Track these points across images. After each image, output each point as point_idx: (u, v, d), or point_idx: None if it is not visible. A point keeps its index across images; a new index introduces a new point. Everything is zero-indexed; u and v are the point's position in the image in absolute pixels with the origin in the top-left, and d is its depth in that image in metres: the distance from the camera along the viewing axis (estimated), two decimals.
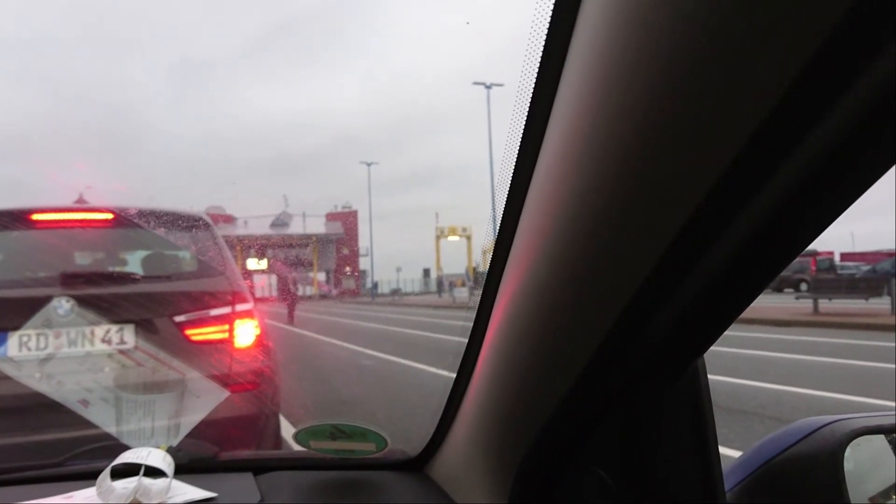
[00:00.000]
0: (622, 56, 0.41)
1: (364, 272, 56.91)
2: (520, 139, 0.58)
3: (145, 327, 2.85)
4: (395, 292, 47.86)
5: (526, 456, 0.67)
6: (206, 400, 1.12)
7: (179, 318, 2.86)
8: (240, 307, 3.01)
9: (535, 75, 0.54)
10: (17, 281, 2.94)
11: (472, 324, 0.78)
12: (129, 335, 2.83)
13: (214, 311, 2.93)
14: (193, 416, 1.03)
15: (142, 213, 3.27)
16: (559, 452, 0.65)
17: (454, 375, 0.95)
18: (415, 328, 17.29)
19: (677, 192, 0.41)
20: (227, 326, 2.94)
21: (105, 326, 2.81)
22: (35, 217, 3.16)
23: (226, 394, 1.14)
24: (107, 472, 0.91)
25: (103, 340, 2.81)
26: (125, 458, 0.92)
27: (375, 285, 48.71)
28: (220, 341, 2.92)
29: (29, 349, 2.73)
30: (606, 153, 0.44)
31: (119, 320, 2.82)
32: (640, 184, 0.43)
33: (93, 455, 1.14)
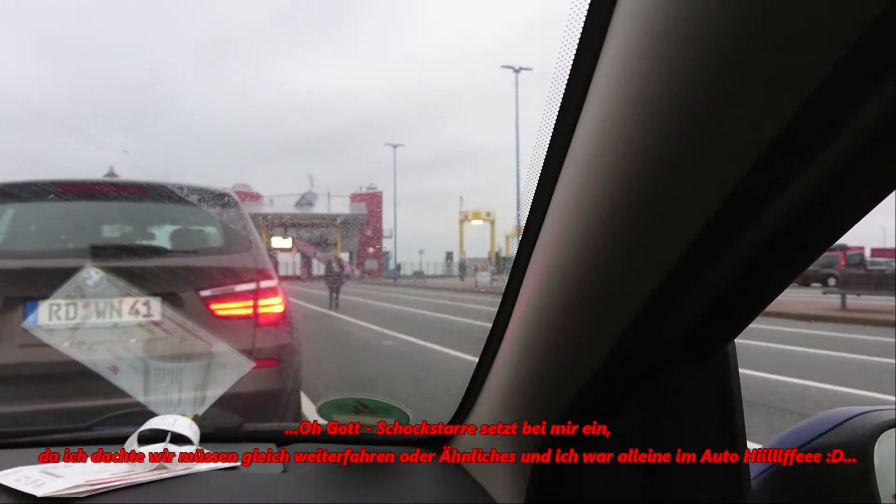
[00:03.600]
0: (659, 46, 0.41)
1: (387, 254, 57.14)
2: (553, 124, 0.58)
3: (171, 300, 2.89)
4: (418, 275, 48.00)
5: (546, 438, 0.67)
6: (231, 371, 1.14)
7: (205, 293, 2.90)
8: (264, 284, 3.04)
9: (571, 62, 0.54)
10: (49, 251, 3.00)
11: (497, 305, 0.78)
12: (155, 307, 2.88)
13: (239, 287, 2.97)
14: (219, 387, 1.05)
15: (171, 188, 3.31)
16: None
17: (475, 358, 0.95)
18: (436, 311, 17.34)
19: (712, 179, 0.41)
20: (251, 302, 2.98)
21: (132, 298, 2.86)
22: (67, 189, 3.22)
23: (251, 364, 1.16)
24: (134, 437, 0.94)
25: (130, 312, 2.86)
26: (152, 424, 0.95)
27: (398, 267, 48.88)
28: (244, 317, 2.96)
29: (58, 318, 2.79)
30: (644, 138, 0.44)
31: (146, 293, 2.87)
32: (676, 169, 0.43)
33: (120, 421, 1.17)
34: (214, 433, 0.99)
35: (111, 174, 3.95)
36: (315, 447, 1.04)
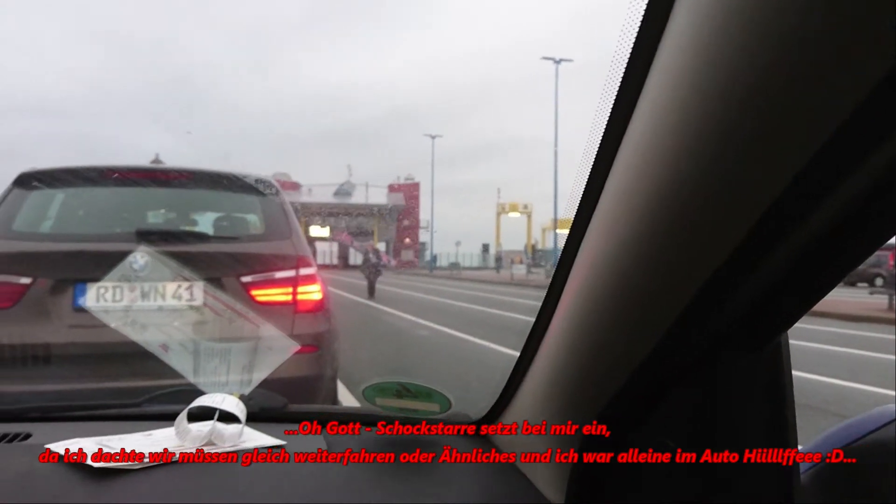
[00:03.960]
0: (719, 41, 0.41)
1: (423, 245, 57.35)
2: (606, 118, 0.58)
3: (213, 285, 2.95)
4: (454, 266, 48.05)
5: (596, 419, 0.67)
6: (276, 354, 1.17)
7: (246, 279, 2.95)
8: (304, 271, 3.08)
9: (628, 56, 0.54)
10: (97, 235, 3.09)
11: (541, 299, 0.78)
12: (197, 292, 2.94)
13: (279, 274, 3.02)
14: (265, 369, 1.08)
15: (214, 175, 3.37)
16: (628, 421, 0.66)
17: (509, 350, 0.97)
18: (471, 302, 17.36)
19: (771, 172, 0.41)
20: (290, 289, 3.02)
21: (176, 283, 2.93)
22: (114, 174, 3.30)
23: (296, 346, 1.19)
24: (184, 413, 0.97)
25: (174, 296, 2.93)
26: (201, 401, 0.98)
27: (434, 258, 49.02)
28: (284, 303, 3.00)
29: (106, 300, 2.87)
30: (701, 132, 0.44)
31: (189, 278, 2.93)
32: (735, 163, 0.43)
33: (168, 399, 1.22)
34: (260, 413, 1.01)
35: (157, 161, 4.04)
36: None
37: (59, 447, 0.90)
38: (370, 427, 1.07)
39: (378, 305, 14.91)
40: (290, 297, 3.01)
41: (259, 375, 1.09)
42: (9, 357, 2.73)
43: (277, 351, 1.15)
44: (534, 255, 44.79)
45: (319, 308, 3.11)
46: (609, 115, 0.57)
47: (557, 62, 33.76)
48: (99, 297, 2.86)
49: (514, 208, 58.33)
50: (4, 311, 2.77)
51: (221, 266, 2.88)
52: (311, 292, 3.09)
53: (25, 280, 2.79)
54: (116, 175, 3.30)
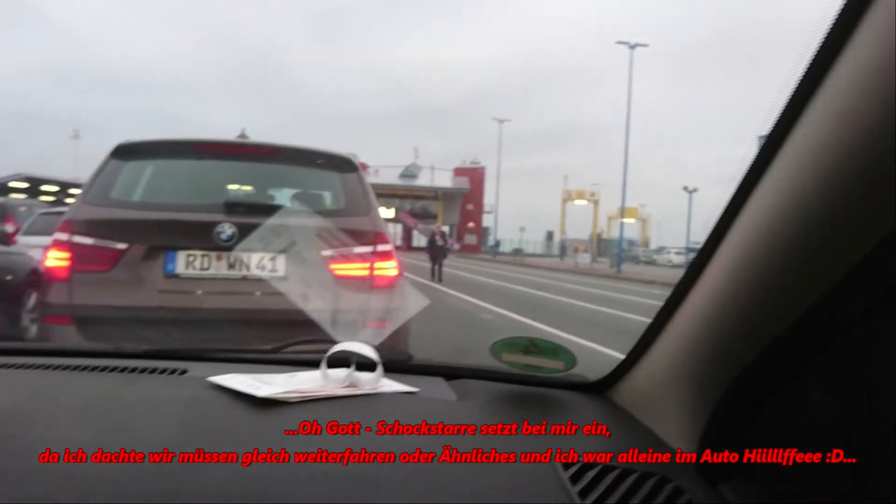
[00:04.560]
0: None
1: (486, 229, 57.25)
2: (778, 115, 0.59)
3: (295, 258, 3.05)
4: (517, 252, 47.87)
5: (736, 379, 0.69)
6: (409, 306, 1.25)
7: (326, 253, 3.03)
8: (381, 247, 3.15)
9: (811, 57, 0.55)
10: (186, 205, 3.23)
11: (693, 257, 0.80)
12: (280, 264, 3.05)
13: (358, 249, 3.09)
14: (395, 321, 1.14)
15: (298, 151, 3.46)
16: (774, 377, 0.67)
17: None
18: (534, 288, 17.30)
19: None
20: (368, 264, 3.09)
21: (260, 254, 3.04)
22: (204, 148, 3.44)
23: (426, 301, 1.26)
24: (325, 358, 1.04)
25: (257, 266, 3.04)
26: (343, 346, 1.05)
27: (497, 243, 48.89)
28: (361, 278, 3.07)
29: (194, 268, 3.01)
30: (884, 141, 0.45)
31: (272, 249, 3.04)
32: None
33: (303, 347, 1.31)
34: (387, 364, 1.07)
35: (243, 136, 4.17)
36: (481, 383, 1.11)
37: (220, 379, 0.98)
38: (493, 380, 1.12)
39: (441, 288, 15.02)
40: (367, 272, 3.08)
41: (387, 330, 1.16)
42: (104, 317, 2.89)
43: (412, 304, 1.23)
44: (599, 244, 44.16)
45: (394, 284, 3.17)
46: (780, 113, 0.59)
47: (632, 47, 32.93)
48: (188, 265, 3.00)
49: (580, 196, 57.56)
50: (102, 273, 2.94)
51: (304, 239, 2.96)
52: (388, 268, 3.15)
53: (122, 245, 2.94)
54: (205, 148, 3.44)
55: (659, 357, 0.90)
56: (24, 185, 37.00)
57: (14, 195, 26.24)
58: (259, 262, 3.04)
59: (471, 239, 54.67)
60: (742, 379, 0.69)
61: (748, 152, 0.66)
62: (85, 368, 1.10)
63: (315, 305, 2.92)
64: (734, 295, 0.69)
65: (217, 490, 0.66)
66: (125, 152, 3.31)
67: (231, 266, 3.02)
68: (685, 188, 33.78)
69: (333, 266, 3.05)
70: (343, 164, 3.46)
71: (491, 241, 50.85)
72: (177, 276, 2.99)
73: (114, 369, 1.10)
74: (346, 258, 3.08)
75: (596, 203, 58.39)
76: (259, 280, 3.04)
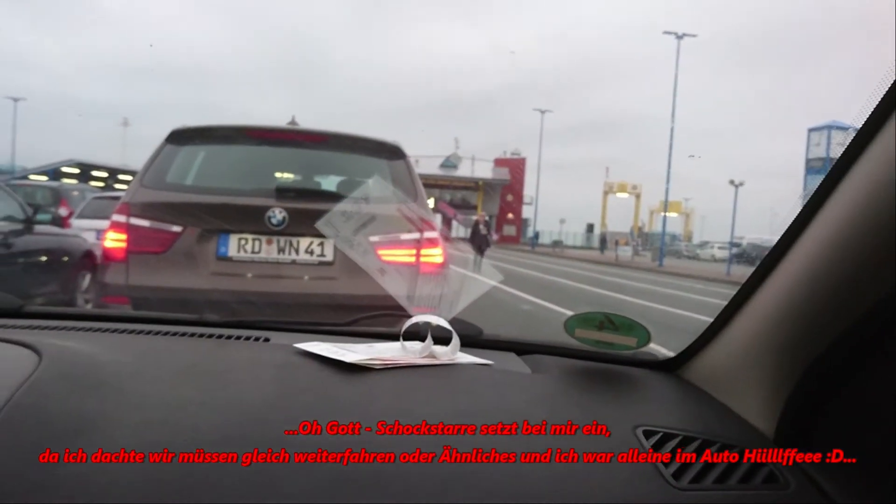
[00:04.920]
0: None
1: (526, 221, 56.99)
2: (868, 115, 0.60)
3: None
4: (556, 244, 47.56)
5: (819, 357, 0.70)
6: (476, 287, 1.27)
7: (374, 238, 3.07)
8: (427, 234, 3.17)
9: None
10: (238, 189, 3.30)
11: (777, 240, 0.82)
12: (328, 249, 3.10)
13: (405, 236, 3.12)
14: (466, 298, 1.16)
15: (347, 138, 3.51)
16: (857, 357, 0.68)
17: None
18: (573, 280, 17.18)
19: None
20: (414, 251, 3.12)
21: (309, 238, 3.09)
22: (255, 134, 3.50)
23: (492, 283, 1.28)
24: (402, 330, 1.07)
25: (306, 251, 3.10)
26: (421, 318, 1.08)
27: (536, 235, 48.67)
28: (408, 264, 3.10)
29: (245, 251, 3.07)
30: None
31: (321, 234, 3.09)
32: None
33: (371, 322, 1.36)
34: (460, 338, 1.09)
35: (293, 123, 4.23)
36: (553, 359, 1.12)
37: (305, 346, 1.03)
38: (565, 356, 1.14)
39: (481, 278, 15.01)
40: (413, 259, 3.11)
41: (459, 306, 1.19)
42: (159, 298, 2.98)
43: (479, 285, 1.26)
44: (640, 237, 43.62)
45: (441, 270, 3.19)
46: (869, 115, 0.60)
47: (680, 37, 32.26)
48: (240, 248, 3.06)
49: (622, 188, 56.84)
50: (157, 255, 3.02)
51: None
52: (434, 255, 3.17)
53: (177, 228, 3.02)
54: (257, 134, 3.50)
55: (738, 335, 0.91)
56: (76, 170, 38.11)
57: (66, 180, 27.08)
58: (308, 246, 3.10)
59: (510, 230, 54.49)
60: (825, 357, 0.69)
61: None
62: (175, 334, 1.16)
63: (361, 291, 2.97)
64: (821, 276, 0.69)
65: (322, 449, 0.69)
66: (180, 137, 3.39)
67: (281, 250, 3.08)
68: (731, 182, 33.08)
69: (381, 252, 3.08)
70: (391, 152, 3.49)
71: (530, 233, 50.65)
72: (229, 259, 3.06)
73: (201, 335, 1.16)
74: (394, 244, 3.10)
75: (638, 196, 57.61)
76: (308, 264, 3.10)
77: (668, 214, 36.77)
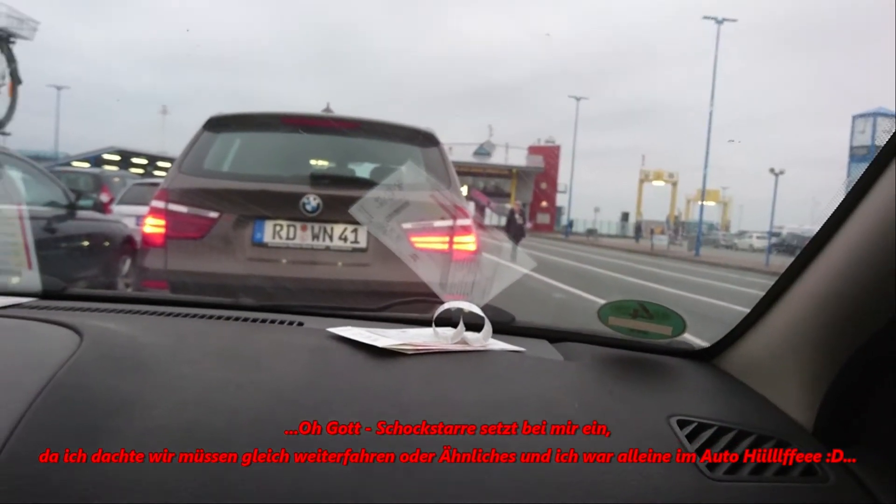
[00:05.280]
0: None
1: (560, 209, 56.56)
2: None
3: None
4: (591, 232, 47.11)
5: (861, 348, 0.68)
6: (508, 275, 1.27)
7: (407, 225, 3.07)
8: (460, 222, 3.17)
9: None
10: (274, 176, 3.33)
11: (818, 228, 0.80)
12: (362, 236, 3.12)
13: (438, 223, 3.12)
14: (497, 286, 1.16)
15: (381, 125, 3.51)
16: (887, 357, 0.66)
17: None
18: (607, 269, 17.03)
19: None
20: (447, 238, 3.12)
21: (343, 225, 3.11)
22: (290, 121, 3.53)
23: (523, 271, 1.28)
24: (434, 316, 1.07)
25: (340, 237, 3.12)
26: (453, 304, 1.09)
27: (570, 223, 48.28)
28: (440, 251, 3.11)
29: (280, 237, 3.11)
30: None
31: (355, 221, 3.10)
32: None
33: (409, 306, 1.40)
34: (492, 325, 1.09)
35: (328, 110, 4.25)
36: (586, 347, 1.12)
37: (338, 330, 1.05)
38: (597, 344, 1.13)
39: (517, 267, 14.96)
40: (446, 246, 3.11)
41: (492, 293, 1.19)
42: (196, 283, 3.03)
43: (510, 273, 1.26)
44: (677, 226, 42.95)
45: (473, 258, 3.19)
46: None
47: (720, 22, 31.53)
48: (275, 234, 3.10)
49: (658, 176, 55.98)
50: (195, 240, 3.07)
51: None
52: (467, 242, 3.17)
53: (214, 214, 3.07)
54: (292, 121, 3.53)
55: (777, 325, 0.90)
56: (117, 157, 38.89)
57: (107, 167, 27.68)
58: (342, 233, 3.12)
59: (543, 218, 54.10)
60: (867, 347, 0.68)
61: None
62: (212, 318, 1.18)
63: (394, 277, 2.98)
64: (864, 265, 0.68)
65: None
66: (217, 124, 3.44)
67: (315, 236, 3.11)
68: (771, 170, 32.35)
69: (413, 239, 3.09)
70: (424, 139, 3.49)
71: (564, 221, 50.25)
72: (264, 245, 3.10)
73: (236, 319, 1.17)
74: (426, 231, 3.11)
75: (674, 184, 56.68)
76: (342, 251, 3.12)
77: (705, 203, 36.15)
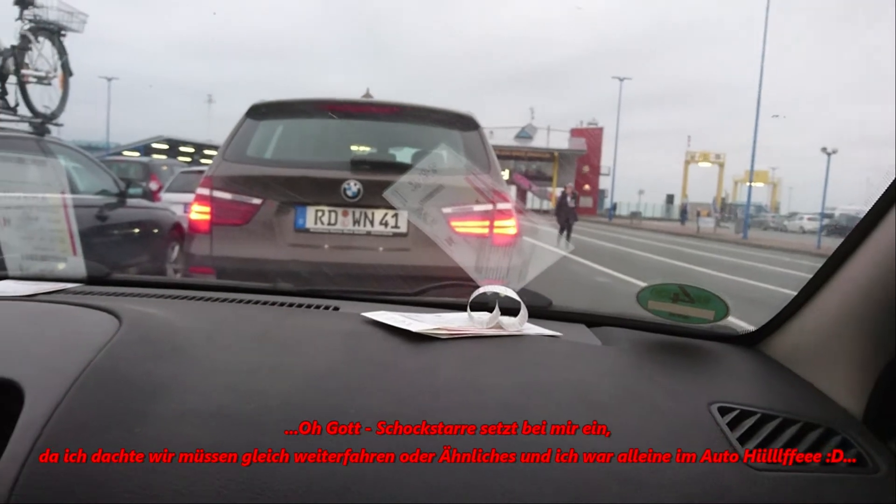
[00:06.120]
0: None
1: (603, 192, 55.87)
2: None
3: (416, 215, 3.11)
4: (634, 215, 46.39)
5: None
6: (546, 257, 1.26)
7: (447, 210, 3.07)
8: (501, 206, 3.15)
9: None
10: (315, 162, 3.36)
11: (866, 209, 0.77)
12: (402, 221, 3.12)
13: (478, 207, 3.11)
14: (533, 270, 1.15)
15: (420, 109, 3.51)
16: None
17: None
18: (651, 252, 16.77)
19: None
20: (487, 223, 3.11)
21: (383, 210, 3.13)
22: (331, 107, 3.55)
23: (562, 253, 1.26)
24: (470, 300, 1.07)
25: (381, 222, 3.14)
26: (489, 288, 1.08)
27: (614, 206, 47.61)
28: (480, 235, 3.10)
29: (321, 223, 3.14)
30: None
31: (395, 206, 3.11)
32: None
33: (445, 291, 1.37)
34: (528, 309, 1.08)
35: (368, 95, 4.26)
36: (624, 331, 1.10)
37: (373, 315, 1.05)
38: (636, 329, 1.12)
39: (555, 249, 14.84)
40: (486, 230, 3.10)
41: (529, 276, 1.18)
42: (241, 269, 3.08)
43: (547, 255, 1.24)
44: (723, 208, 41.95)
45: (513, 243, 3.17)
46: None
47: None
48: (316, 220, 3.13)
49: (704, 158, 54.73)
50: (238, 227, 3.13)
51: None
52: (507, 227, 3.16)
53: (257, 201, 3.12)
54: (332, 107, 3.55)
55: (825, 309, 0.87)
56: (165, 146, 39.80)
57: (156, 156, 28.34)
58: (382, 218, 3.13)
59: (586, 201, 53.42)
60: None
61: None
62: (249, 302, 1.19)
63: (435, 262, 2.99)
64: None
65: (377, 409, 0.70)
66: (259, 112, 3.48)
67: (356, 222, 3.13)
68: (823, 149, 31.31)
69: (454, 223, 3.09)
70: (464, 123, 3.47)
71: (607, 204, 49.59)
72: (306, 231, 3.13)
73: (273, 304, 1.19)
74: (466, 216, 3.10)
75: (721, 166, 55.33)
76: (382, 236, 3.14)
77: (753, 184, 35.21)
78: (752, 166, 32.37)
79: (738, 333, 1.08)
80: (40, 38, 5.31)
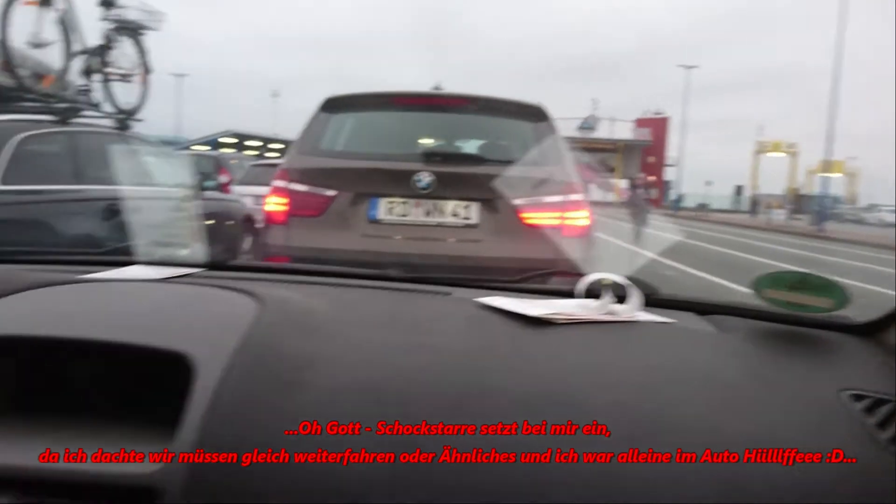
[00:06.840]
0: None
1: (668, 183, 54.49)
2: None
3: (488, 206, 3.12)
4: (701, 207, 45.10)
5: None
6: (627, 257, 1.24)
7: (518, 201, 3.07)
8: (573, 197, 3.13)
9: None
10: (387, 154, 3.41)
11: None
12: (473, 212, 3.14)
13: (549, 199, 3.09)
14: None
15: (491, 101, 3.51)
16: None
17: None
18: (720, 245, 16.30)
19: None
20: (559, 214, 3.09)
21: (454, 201, 3.14)
22: (402, 100, 3.59)
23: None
24: (577, 287, 1.08)
25: (452, 213, 3.16)
26: (596, 276, 1.08)
27: (679, 198, 46.38)
28: (551, 227, 3.08)
29: (393, 214, 3.18)
30: None
31: (466, 198, 3.13)
32: None
33: (547, 278, 1.39)
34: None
35: (438, 88, 4.28)
36: (738, 320, 1.09)
37: (487, 300, 1.07)
38: (748, 317, 1.10)
39: (622, 243, 14.60)
40: (558, 222, 3.09)
41: (636, 265, 1.18)
42: (316, 259, 3.15)
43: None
44: (796, 200, 40.33)
45: (585, 234, 3.14)
46: None
47: None
48: (389, 211, 3.18)
49: (776, 147, 52.68)
50: (313, 218, 3.20)
51: (496, 188, 3.01)
52: (579, 218, 3.13)
53: (331, 193, 3.18)
54: (403, 100, 3.58)
55: None
56: (233, 140, 40.97)
57: (224, 149, 29.19)
58: (454, 209, 3.15)
59: (652, 193, 52.24)
60: None
61: None
62: (364, 287, 1.22)
63: (506, 253, 2.99)
64: None
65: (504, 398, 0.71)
66: (332, 105, 3.55)
67: (428, 213, 3.16)
68: None
69: (525, 215, 3.08)
70: (534, 114, 3.46)
71: (673, 195, 48.34)
72: (378, 222, 3.18)
73: (387, 289, 1.22)
74: (538, 207, 3.09)
75: (794, 156, 53.14)
76: (454, 227, 3.16)
77: (829, 175, 33.69)
78: (828, 155, 30.98)
79: (855, 323, 1.05)
80: (122, 37, 5.53)
